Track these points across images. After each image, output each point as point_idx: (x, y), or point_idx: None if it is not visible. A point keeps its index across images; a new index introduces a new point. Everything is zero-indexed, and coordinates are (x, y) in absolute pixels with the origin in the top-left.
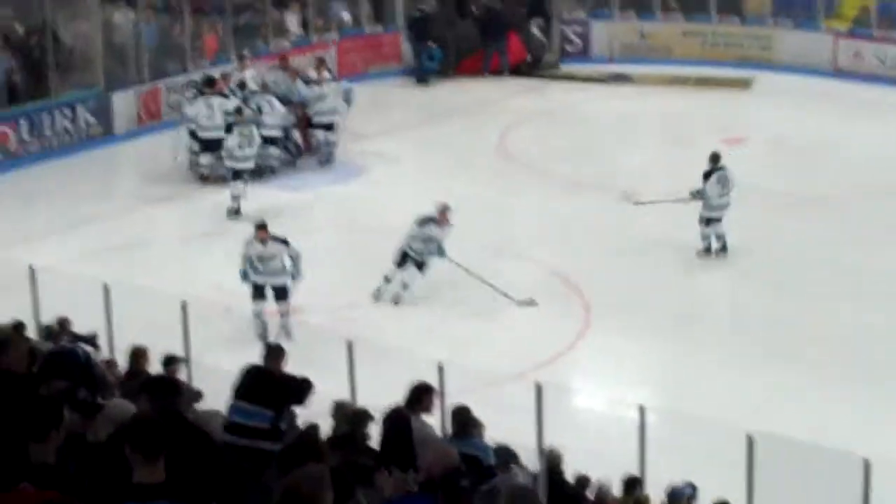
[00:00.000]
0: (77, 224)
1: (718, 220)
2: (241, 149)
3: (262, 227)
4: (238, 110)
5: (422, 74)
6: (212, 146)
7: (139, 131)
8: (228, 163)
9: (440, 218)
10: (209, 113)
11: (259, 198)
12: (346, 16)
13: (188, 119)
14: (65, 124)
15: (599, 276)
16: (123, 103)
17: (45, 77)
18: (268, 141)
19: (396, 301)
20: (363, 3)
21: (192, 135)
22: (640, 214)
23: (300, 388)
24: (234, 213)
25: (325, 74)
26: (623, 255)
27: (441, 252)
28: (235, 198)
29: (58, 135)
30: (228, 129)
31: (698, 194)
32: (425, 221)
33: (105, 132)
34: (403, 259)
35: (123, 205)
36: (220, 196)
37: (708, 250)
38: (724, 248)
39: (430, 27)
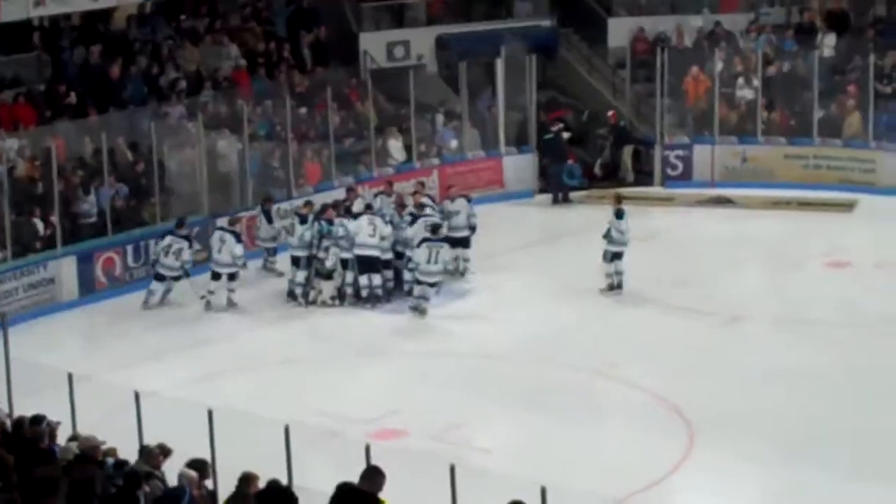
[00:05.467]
0: (182, 349)
1: None
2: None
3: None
4: (435, 227)
5: (563, 193)
6: (371, 265)
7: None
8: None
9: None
10: (371, 230)
11: (363, 322)
12: (453, 143)
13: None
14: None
15: (703, 400)
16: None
17: (151, 204)
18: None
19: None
20: (467, 129)
21: (308, 260)
22: (742, 338)
23: None
24: (421, 312)
25: (424, 199)
26: (726, 379)
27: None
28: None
29: None
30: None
31: None
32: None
33: (209, 258)
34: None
35: (228, 329)
36: (323, 320)
37: None
38: None
39: (564, 146)
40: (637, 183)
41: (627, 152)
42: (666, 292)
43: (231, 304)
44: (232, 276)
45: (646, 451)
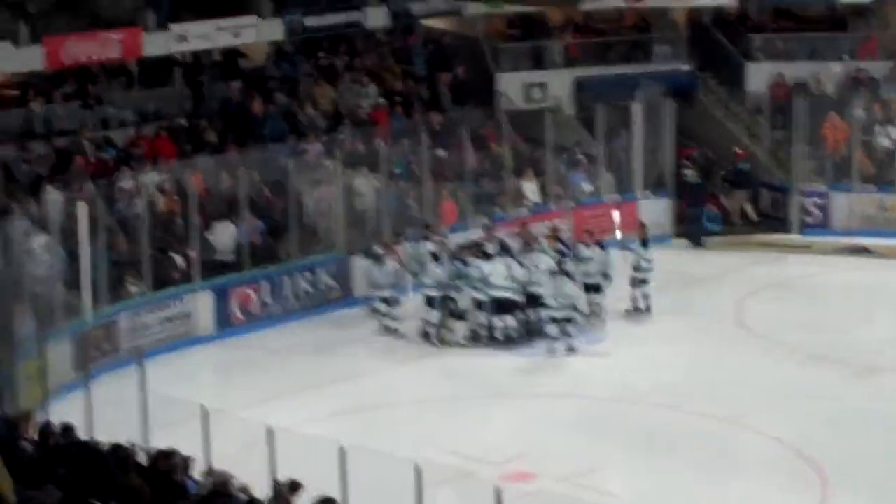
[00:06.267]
0: (316, 386)
1: None
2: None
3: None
4: (560, 262)
5: (699, 238)
6: (505, 307)
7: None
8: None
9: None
10: (505, 272)
11: (496, 363)
12: (586, 186)
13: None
14: (305, 287)
15: (837, 451)
16: (365, 267)
17: (287, 240)
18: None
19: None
20: (602, 173)
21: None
22: (877, 390)
23: None
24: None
25: (558, 244)
26: (861, 430)
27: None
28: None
29: (298, 297)
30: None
31: None
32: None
33: (344, 295)
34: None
35: (362, 367)
36: (456, 360)
37: None
38: None
39: (707, 190)
40: (771, 229)
41: (740, 197)
42: (801, 341)
43: (389, 331)
44: (387, 302)
45: (779, 501)
